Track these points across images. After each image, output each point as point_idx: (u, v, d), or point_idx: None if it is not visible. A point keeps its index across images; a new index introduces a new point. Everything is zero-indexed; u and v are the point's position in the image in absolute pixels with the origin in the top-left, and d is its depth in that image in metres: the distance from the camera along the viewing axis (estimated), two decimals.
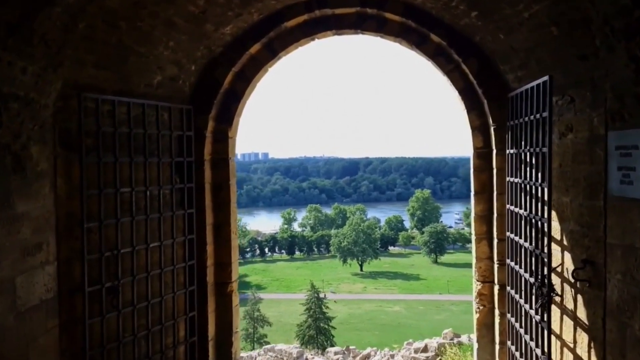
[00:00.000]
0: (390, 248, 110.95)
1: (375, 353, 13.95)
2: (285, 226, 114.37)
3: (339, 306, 68.56)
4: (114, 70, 6.58)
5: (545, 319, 5.82)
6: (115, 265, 6.64)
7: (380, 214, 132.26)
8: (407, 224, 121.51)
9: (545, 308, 5.81)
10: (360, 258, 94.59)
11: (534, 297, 6.27)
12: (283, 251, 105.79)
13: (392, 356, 12.77)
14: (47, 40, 5.14)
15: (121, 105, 6.73)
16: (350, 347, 15.93)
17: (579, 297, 5.86)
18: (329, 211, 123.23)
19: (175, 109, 7.70)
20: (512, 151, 7.25)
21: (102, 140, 6.43)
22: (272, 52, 8.23)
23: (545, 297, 5.78)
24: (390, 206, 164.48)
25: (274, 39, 8.13)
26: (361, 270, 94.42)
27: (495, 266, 7.92)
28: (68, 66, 5.81)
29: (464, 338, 12.54)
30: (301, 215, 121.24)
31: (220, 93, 8.19)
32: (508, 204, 7.41)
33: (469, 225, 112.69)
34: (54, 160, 5.95)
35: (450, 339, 12.47)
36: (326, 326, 57.20)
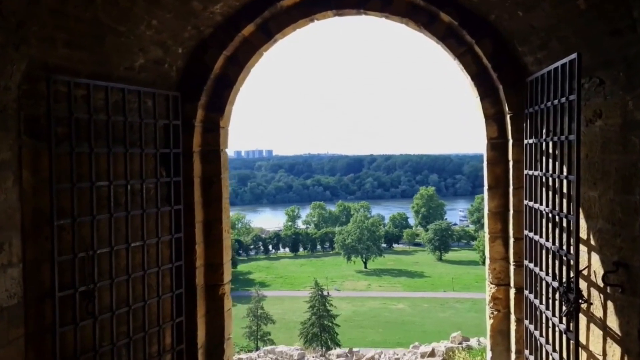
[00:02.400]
0: (395, 245, 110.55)
1: (380, 356, 13.36)
2: (289, 223, 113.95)
3: (342, 303, 68.15)
4: (89, 50, 5.92)
5: (572, 328, 5.16)
6: (91, 267, 5.96)
7: (385, 211, 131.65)
8: (412, 221, 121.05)
9: (573, 316, 5.14)
10: (364, 255, 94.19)
11: (557, 302, 5.62)
12: (287, 248, 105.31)
13: None
14: (2, 11, 4.49)
15: (98, 90, 6.05)
16: (354, 350, 15.36)
17: (610, 304, 5.19)
18: (333, 208, 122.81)
19: (160, 96, 7.02)
20: (530, 141, 6.56)
21: (76, 128, 5.76)
22: (267, 34, 7.52)
23: (573, 304, 5.12)
24: (395, 203, 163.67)
25: (269, 19, 7.42)
26: (365, 267, 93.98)
27: (512, 268, 7.21)
28: (35, 44, 5.17)
29: (473, 342, 11.94)
30: (305, 212, 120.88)
31: (210, 79, 7.50)
32: (526, 199, 6.72)
33: (473, 222, 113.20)
34: (19, 150, 5.30)
35: (459, 343, 11.86)
36: (330, 324, 56.74)
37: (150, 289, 6.87)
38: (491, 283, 7.47)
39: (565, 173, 5.44)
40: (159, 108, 7.01)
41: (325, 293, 60.80)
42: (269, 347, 14.91)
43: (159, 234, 7.00)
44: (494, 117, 7.41)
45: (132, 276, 6.53)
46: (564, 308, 5.34)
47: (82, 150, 5.88)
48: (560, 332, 5.50)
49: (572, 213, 5.22)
